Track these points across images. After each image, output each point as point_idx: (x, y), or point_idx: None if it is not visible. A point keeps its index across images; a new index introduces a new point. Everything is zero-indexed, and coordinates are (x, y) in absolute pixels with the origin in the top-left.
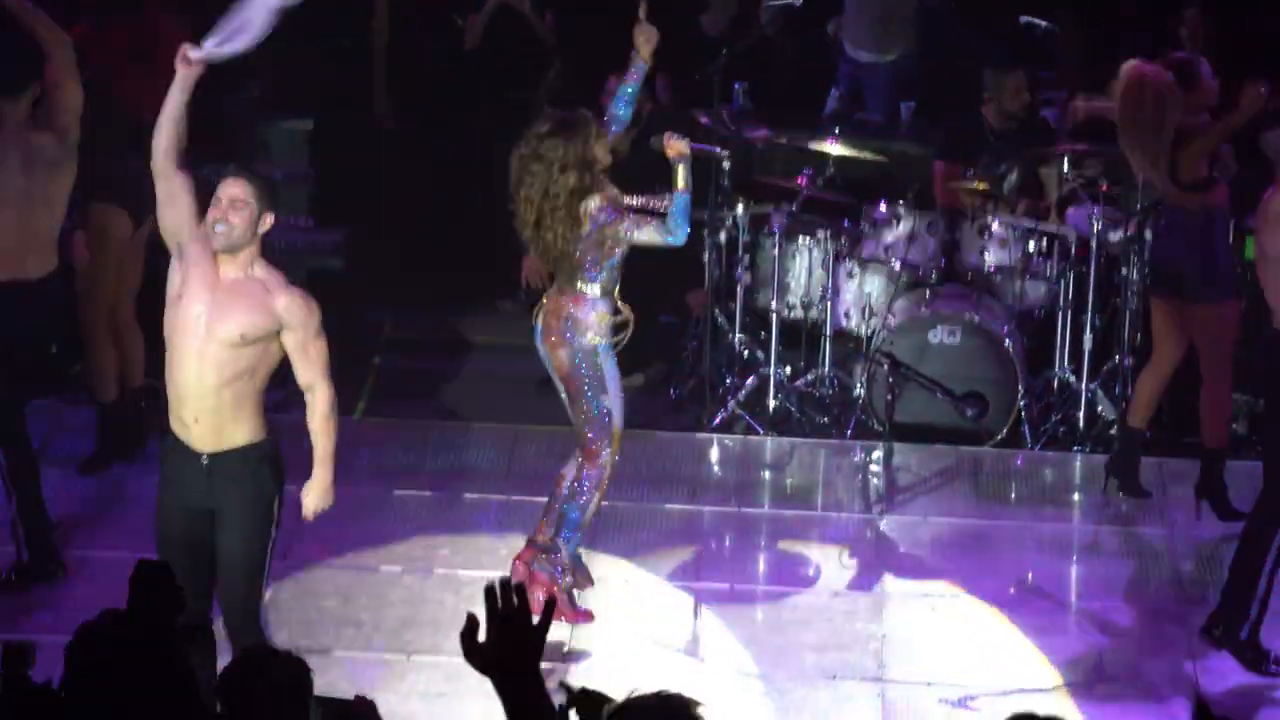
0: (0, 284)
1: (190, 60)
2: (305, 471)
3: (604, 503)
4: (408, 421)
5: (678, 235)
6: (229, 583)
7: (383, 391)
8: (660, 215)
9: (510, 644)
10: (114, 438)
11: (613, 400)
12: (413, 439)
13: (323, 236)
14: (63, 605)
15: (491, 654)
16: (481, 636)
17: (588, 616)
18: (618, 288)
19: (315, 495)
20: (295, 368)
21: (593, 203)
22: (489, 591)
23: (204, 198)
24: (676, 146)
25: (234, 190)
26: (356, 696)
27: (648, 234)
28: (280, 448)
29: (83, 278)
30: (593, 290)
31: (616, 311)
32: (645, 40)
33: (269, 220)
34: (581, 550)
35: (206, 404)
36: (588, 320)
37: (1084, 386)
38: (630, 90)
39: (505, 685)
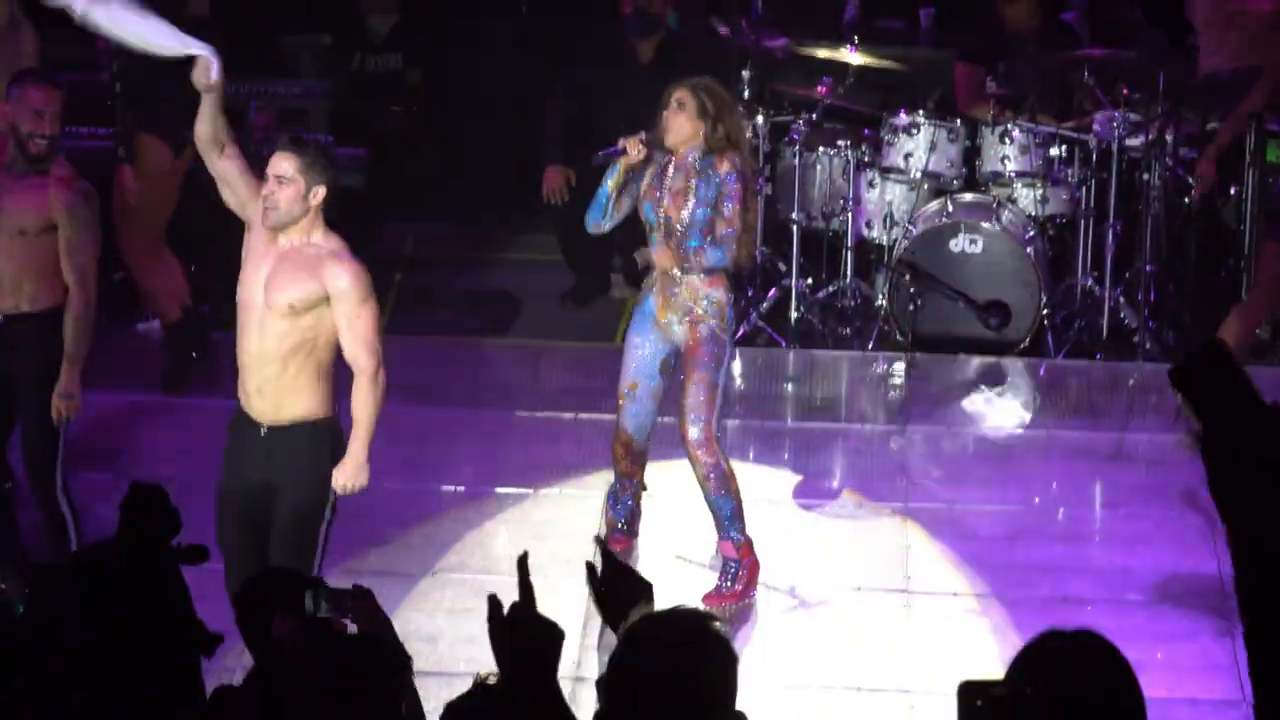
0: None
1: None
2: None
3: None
4: (430, 338)
5: (586, 220)
6: (277, 557)
7: (405, 308)
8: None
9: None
10: (182, 353)
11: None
12: (436, 355)
13: (342, 153)
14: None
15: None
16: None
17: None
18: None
19: (345, 472)
20: (341, 339)
21: None
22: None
23: (258, 168)
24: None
25: (281, 166)
26: (354, 586)
27: None
28: (342, 429)
29: (126, 206)
30: None
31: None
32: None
33: (320, 193)
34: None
35: (268, 374)
36: None
37: (1106, 293)
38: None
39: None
